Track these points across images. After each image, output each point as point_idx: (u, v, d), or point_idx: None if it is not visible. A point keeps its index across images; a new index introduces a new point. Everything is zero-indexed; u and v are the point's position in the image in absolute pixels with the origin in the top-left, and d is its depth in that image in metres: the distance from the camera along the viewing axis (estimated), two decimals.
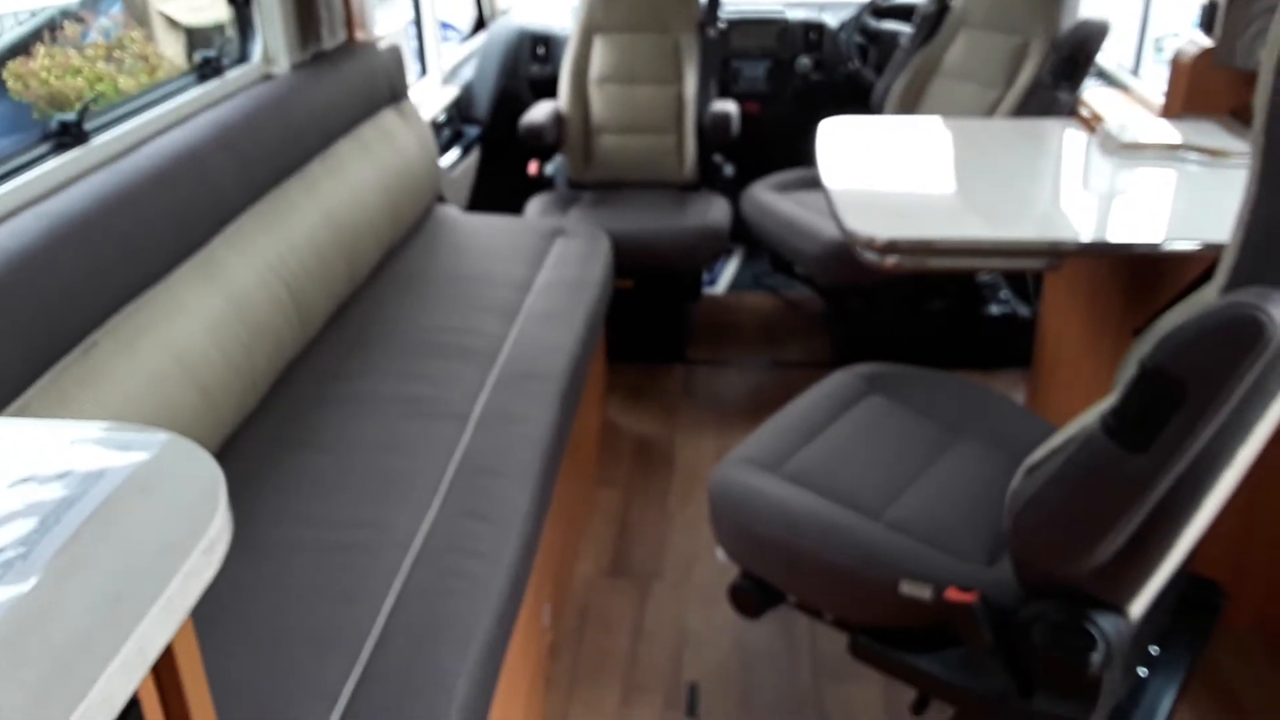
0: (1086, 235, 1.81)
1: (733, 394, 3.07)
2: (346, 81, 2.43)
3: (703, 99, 3.29)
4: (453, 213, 2.82)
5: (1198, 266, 1.85)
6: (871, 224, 1.85)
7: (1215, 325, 1.05)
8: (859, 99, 3.47)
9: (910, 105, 3.18)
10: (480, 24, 4.09)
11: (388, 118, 2.60)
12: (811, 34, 3.66)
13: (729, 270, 3.80)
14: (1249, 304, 1.04)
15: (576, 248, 2.58)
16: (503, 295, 2.27)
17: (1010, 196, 2.04)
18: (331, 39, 2.45)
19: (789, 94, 3.71)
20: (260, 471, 1.65)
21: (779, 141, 3.65)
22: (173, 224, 1.68)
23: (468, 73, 3.71)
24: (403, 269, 2.41)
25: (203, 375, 1.63)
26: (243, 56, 2.28)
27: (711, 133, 3.20)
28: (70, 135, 1.68)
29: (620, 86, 3.35)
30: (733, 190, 3.31)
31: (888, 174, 2.19)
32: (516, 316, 2.20)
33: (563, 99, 3.36)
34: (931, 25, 3.18)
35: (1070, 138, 2.45)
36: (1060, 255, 2.04)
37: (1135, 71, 3.29)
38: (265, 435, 1.75)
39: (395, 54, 2.72)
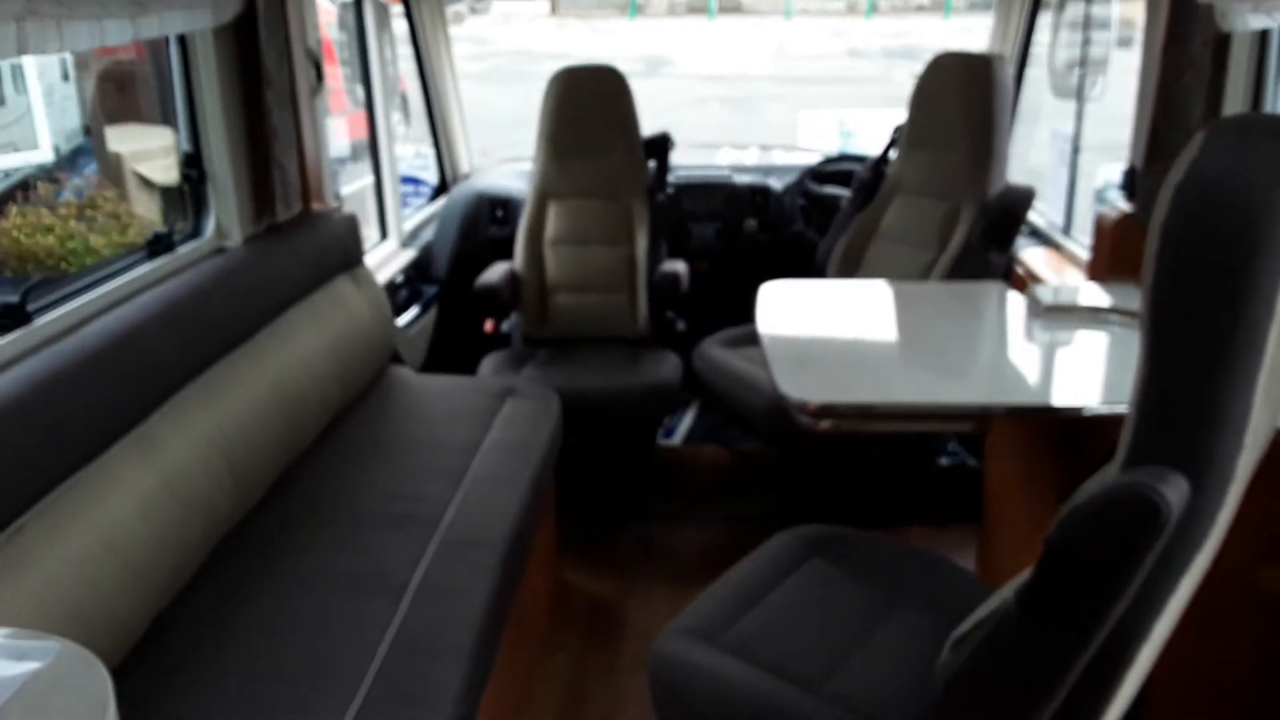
0: (1013, 399, 1.87)
1: (688, 550, 3.05)
2: (300, 252, 2.50)
3: (654, 259, 3.41)
4: (405, 374, 2.86)
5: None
6: (806, 387, 1.90)
7: (1111, 507, 1.08)
8: (803, 258, 3.60)
9: (851, 265, 3.30)
10: (443, 188, 4.24)
11: (341, 284, 2.66)
12: (757, 197, 3.82)
13: (685, 422, 3.84)
14: (1143, 484, 1.08)
15: (526, 408, 2.61)
16: (449, 459, 2.28)
17: (944, 360, 2.11)
18: (286, 211, 2.53)
19: (737, 253, 3.84)
20: (185, 657, 1.61)
21: (729, 298, 3.75)
22: (110, 403, 1.70)
23: (428, 234, 3.82)
24: (350, 434, 2.42)
25: (132, 555, 1.61)
26: (195, 231, 2.35)
27: (662, 291, 3.29)
28: (11, 317, 1.71)
29: (574, 248, 3.46)
30: (685, 345, 3.39)
31: (825, 337, 2.26)
32: (461, 481, 2.20)
33: (518, 259, 3.46)
34: (868, 191, 3.34)
35: (1001, 300, 2.55)
36: (988, 419, 2.10)
37: (1066, 230, 3.46)
38: (195, 615, 1.72)
39: (351, 222, 2.80)
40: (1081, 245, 3.29)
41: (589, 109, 3.43)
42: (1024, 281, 3.18)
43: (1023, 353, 2.18)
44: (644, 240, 3.41)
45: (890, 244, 3.24)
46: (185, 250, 2.27)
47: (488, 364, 3.16)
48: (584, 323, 3.43)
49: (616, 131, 3.44)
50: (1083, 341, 2.18)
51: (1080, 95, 3.40)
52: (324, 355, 2.41)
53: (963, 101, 3.08)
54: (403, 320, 3.32)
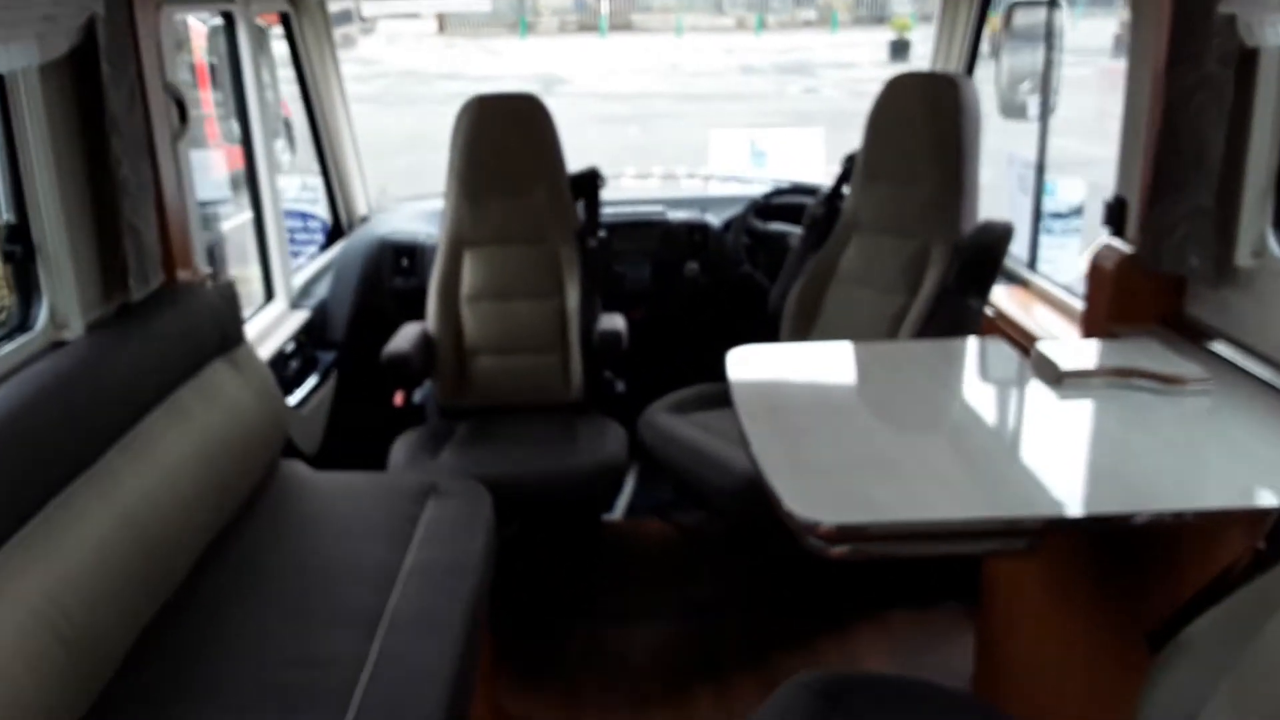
0: (1075, 506, 1.52)
1: (643, 656, 2.64)
2: (162, 336, 2.01)
3: (587, 311, 2.99)
4: (301, 472, 2.38)
5: (1210, 547, 1.60)
6: (816, 502, 1.52)
7: None
8: (751, 303, 3.25)
9: (809, 311, 2.95)
10: (337, 233, 3.75)
11: (216, 372, 2.17)
12: (695, 235, 3.45)
13: (625, 493, 3.43)
14: None
15: (452, 512, 2.18)
16: (359, 598, 1.83)
17: (970, 453, 1.75)
18: (142, 286, 2.04)
19: (677, 299, 3.46)
20: None
21: (671, 351, 3.37)
22: None
23: (323, 289, 3.33)
24: (231, 565, 1.94)
25: None
26: (23, 323, 1.84)
27: (601, 351, 2.88)
28: None
29: (495, 303, 3.02)
30: (626, 409, 2.99)
31: (817, 426, 1.88)
32: (377, 629, 1.75)
33: (431, 318, 3.00)
34: (822, 228, 3.01)
35: (1001, 361, 2.22)
36: (1044, 534, 1.75)
37: (1032, 264, 3.19)
38: None
39: (227, 293, 2.32)
40: (1049, 281, 3.03)
41: (506, 143, 3.01)
42: (997, 327, 2.88)
43: (1056, 437, 1.84)
44: (575, 291, 3.00)
45: (851, 287, 2.90)
46: (8, 350, 1.76)
47: (400, 449, 2.69)
48: (510, 389, 3.00)
49: (539, 168, 3.03)
50: (1117, 415, 1.86)
51: (1044, 114, 3.14)
52: (194, 466, 1.93)
53: (927, 128, 2.77)
54: (295, 397, 2.84)
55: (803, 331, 2.95)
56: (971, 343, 2.32)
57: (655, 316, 3.41)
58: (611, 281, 3.35)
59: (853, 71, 19.38)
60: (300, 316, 3.11)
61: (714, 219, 3.52)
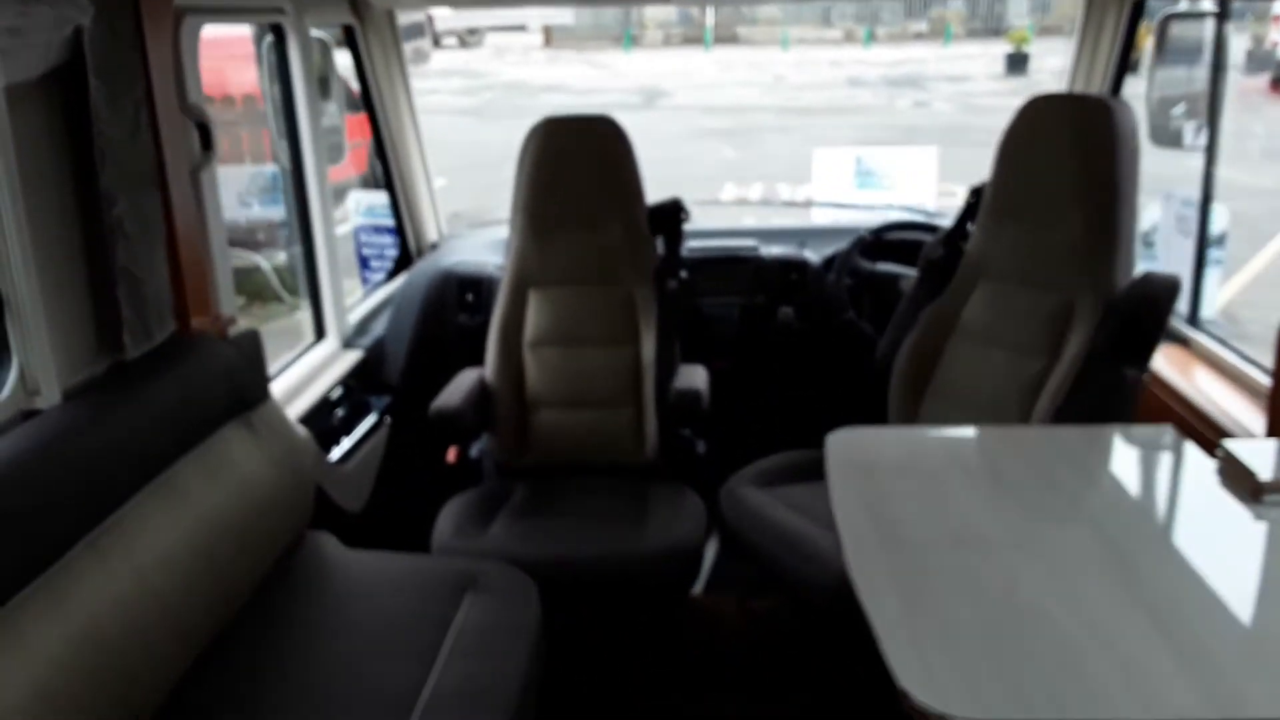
0: None
1: None
2: (157, 403, 1.73)
3: (665, 362, 2.63)
4: (328, 551, 2.07)
5: None
6: (943, 685, 1.12)
7: None
8: (853, 356, 2.84)
9: (924, 371, 2.52)
10: (405, 261, 3.47)
11: (227, 440, 1.88)
12: (792, 274, 3.05)
13: (705, 563, 3.03)
14: None
15: (491, 613, 1.84)
16: None
17: (1141, 607, 1.32)
18: (141, 342, 1.76)
19: (768, 348, 3.06)
20: None
21: (759, 408, 2.98)
22: None
23: (380, 326, 3.05)
24: (225, 678, 1.64)
25: None
26: None
27: (679, 411, 2.51)
28: None
29: (562, 350, 2.69)
30: (706, 473, 2.61)
31: (940, 556, 1.47)
32: None
33: (490, 365, 2.68)
34: (941, 273, 2.57)
35: (1173, 460, 1.77)
36: None
37: (1193, 319, 2.70)
38: None
39: (250, 344, 2.04)
40: (1220, 344, 2.54)
41: (578, 171, 2.67)
42: (1154, 399, 2.40)
43: (1269, 586, 1.39)
44: (652, 339, 2.64)
45: (977, 345, 2.46)
46: None
47: (447, 517, 2.36)
48: (575, 447, 2.65)
49: (614, 199, 2.68)
50: None
51: (1213, 143, 2.65)
52: (187, 561, 1.63)
53: (1073, 159, 2.31)
54: (340, 449, 2.55)
55: (915, 395, 2.52)
56: (1135, 434, 1.87)
57: (742, 367, 3.02)
58: (694, 327, 2.97)
59: (966, 85, 18.61)
60: (352, 357, 2.83)
61: (813, 255, 3.12)
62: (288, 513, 2.00)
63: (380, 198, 3.48)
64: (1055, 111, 2.39)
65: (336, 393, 2.67)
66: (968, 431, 2.03)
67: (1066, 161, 2.33)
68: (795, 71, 21.68)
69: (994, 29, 25.07)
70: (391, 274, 3.42)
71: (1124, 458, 1.82)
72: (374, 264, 3.64)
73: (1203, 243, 2.67)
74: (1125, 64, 2.97)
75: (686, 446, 2.64)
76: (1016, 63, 18.86)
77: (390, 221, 3.50)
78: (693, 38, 26.84)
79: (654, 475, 2.59)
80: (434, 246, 3.50)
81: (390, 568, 2.04)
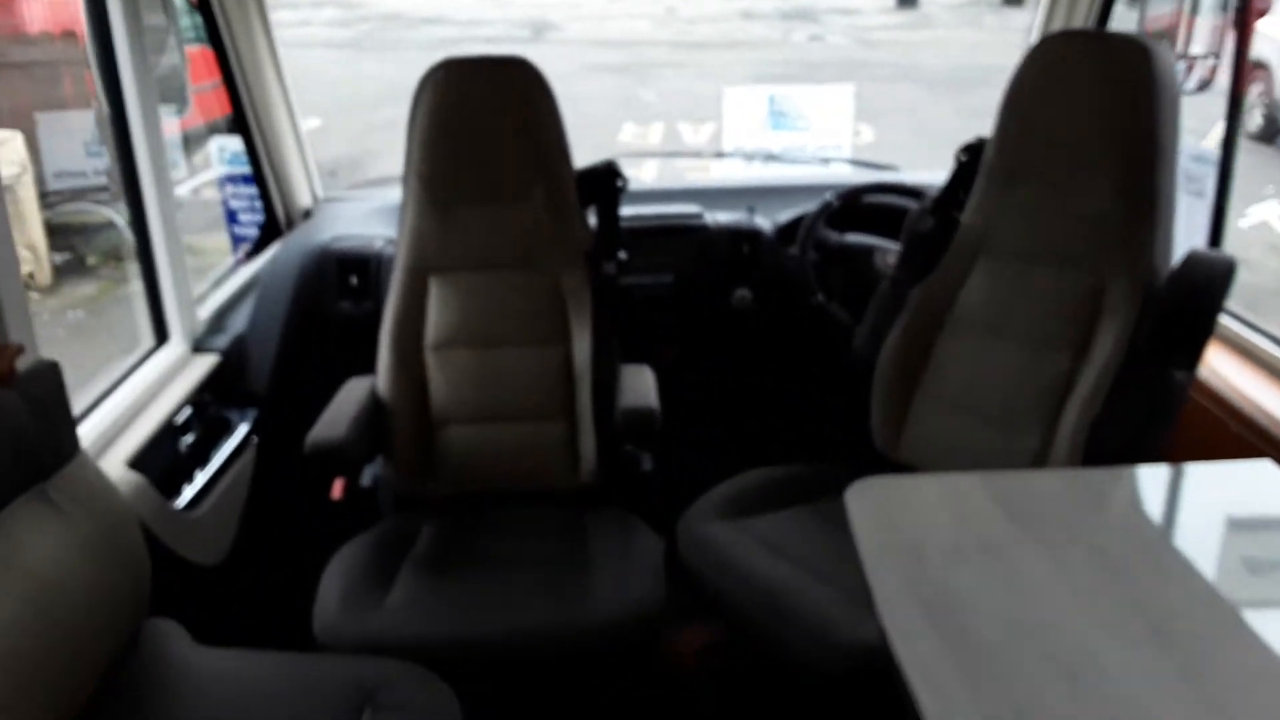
0: None
1: None
2: None
3: (602, 364, 2.13)
4: (172, 650, 1.54)
5: None
6: None
7: None
8: (825, 346, 2.40)
9: (913, 366, 2.10)
10: (273, 233, 2.86)
11: (16, 526, 1.32)
12: (743, 245, 2.58)
13: None
14: None
15: None
16: None
17: None
18: None
19: (719, 338, 2.59)
20: None
21: (715, 411, 2.52)
22: None
23: (241, 319, 2.46)
24: None
25: None
26: None
27: (627, 434, 2.03)
28: None
29: (473, 352, 2.16)
30: (653, 494, 2.15)
31: (1021, 648, 1.05)
32: None
33: (383, 374, 2.14)
34: (929, 250, 2.14)
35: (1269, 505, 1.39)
36: None
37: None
38: None
39: (47, 385, 1.46)
40: (1248, 327, 2.19)
41: (488, 127, 2.13)
42: (1202, 411, 2.03)
43: None
44: (586, 336, 2.14)
45: (978, 337, 2.04)
46: None
47: (333, 583, 1.83)
48: (493, 472, 2.15)
49: (534, 163, 2.15)
50: None
51: (1239, 82, 2.26)
52: None
53: (1100, 112, 1.89)
54: (191, 490, 1.99)
55: (903, 396, 2.10)
56: (1234, 474, 1.48)
57: (689, 362, 2.54)
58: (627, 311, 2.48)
59: (858, 19, 18.32)
60: (205, 364, 2.25)
61: (765, 222, 2.64)
62: (112, 610, 1.46)
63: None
64: (1077, 52, 1.96)
65: (184, 415, 2.10)
66: (1022, 476, 1.62)
67: (1093, 114, 1.90)
68: (687, 4, 21.00)
69: None
70: (255, 250, 2.81)
71: (1231, 504, 1.43)
72: (243, 218, 3.01)
73: (1221, 207, 2.30)
74: None
75: (631, 463, 2.17)
76: None
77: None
78: None
79: (592, 501, 2.11)
80: (307, 215, 2.90)
81: (257, 673, 1.52)
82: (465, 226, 2.15)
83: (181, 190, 3.42)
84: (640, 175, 3.67)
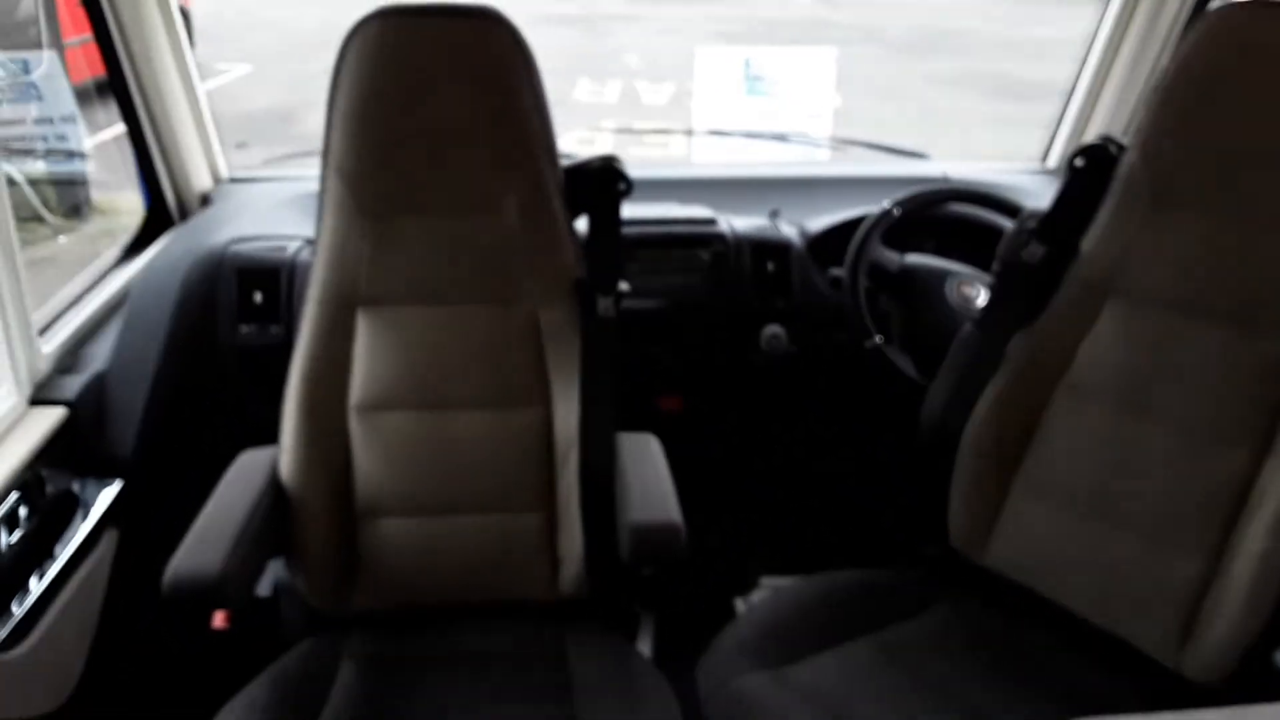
0: None
1: None
2: None
3: (596, 434, 1.55)
4: None
5: None
6: None
7: None
8: (884, 405, 1.84)
9: (1011, 443, 1.56)
10: (157, 227, 2.22)
11: None
12: (769, 263, 2.00)
13: None
14: None
15: None
16: None
17: None
18: None
19: (743, 382, 2.01)
20: None
21: (728, 485, 1.96)
22: None
23: (102, 352, 1.83)
24: None
25: None
26: None
27: (637, 556, 1.45)
28: None
29: (417, 417, 1.57)
30: (661, 607, 1.60)
31: None
32: None
33: (289, 445, 1.54)
34: (1033, 285, 1.59)
35: None
36: None
37: None
38: None
39: None
40: None
41: (442, 107, 1.52)
42: None
43: None
44: (573, 395, 1.55)
45: (1113, 414, 1.50)
46: None
47: None
48: (440, 581, 1.57)
49: (506, 158, 1.55)
50: None
51: None
52: None
53: None
54: (16, 614, 1.39)
55: (998, 481, 1.57)
56: None
57: (700, 417, 1.96)
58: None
59: None
60: (46, 421, 1.63)
61: (791, 230, 2.07)
62: None
63: None
64: (1265, 33, 1.41)
65: (10, 499, 1.48)
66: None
67: None
68: None
69: None
70: (130, 251, 2.16)
71: None
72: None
73: None
74: None
75: (628, 572, 1.60)
76: None
77: None
78: None
79: (576, 622, 1.55)
80: (205, 202, 2.26)
81: None
82: (406, 245, 1.54)
83: (90, 144, 2.97)
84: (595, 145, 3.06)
